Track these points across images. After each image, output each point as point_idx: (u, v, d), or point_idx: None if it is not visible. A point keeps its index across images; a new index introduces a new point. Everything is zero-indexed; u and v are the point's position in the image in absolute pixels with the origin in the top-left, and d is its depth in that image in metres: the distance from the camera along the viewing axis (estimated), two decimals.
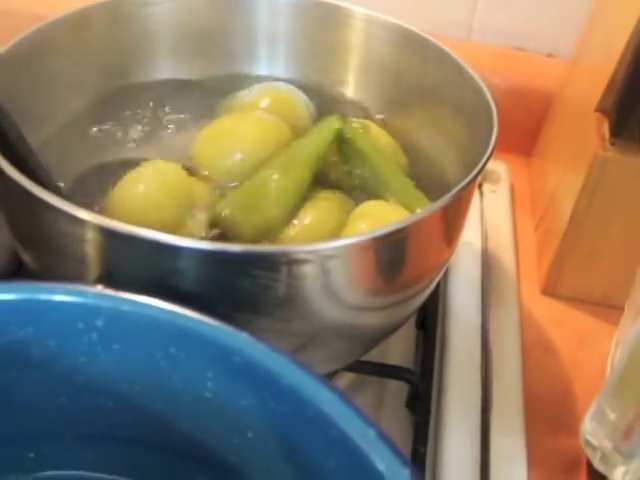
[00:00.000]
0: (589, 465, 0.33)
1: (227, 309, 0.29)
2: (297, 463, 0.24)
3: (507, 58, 0.59)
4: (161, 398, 0.26)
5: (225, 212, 0.33)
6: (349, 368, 0.38)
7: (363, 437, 0.21)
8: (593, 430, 0.26)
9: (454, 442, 0.36)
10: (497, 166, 0.56)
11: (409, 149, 0.40)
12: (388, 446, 0.20)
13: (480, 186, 0.54)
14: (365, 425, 0.21)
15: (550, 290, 0.47)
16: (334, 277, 0.29)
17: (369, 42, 0.41)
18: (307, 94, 0.41)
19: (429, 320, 0.43)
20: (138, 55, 0.42)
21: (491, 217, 0.51)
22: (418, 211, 0.33)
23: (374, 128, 0.39)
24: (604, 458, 0.26)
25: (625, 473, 0.25)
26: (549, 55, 0.59)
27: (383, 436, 0.21)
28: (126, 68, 0.42)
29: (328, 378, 0.39)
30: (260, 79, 0.43)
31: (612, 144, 0.40)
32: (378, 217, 0.34)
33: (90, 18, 0.39)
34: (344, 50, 0.42)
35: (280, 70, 0.44)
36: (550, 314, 0.46)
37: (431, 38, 0.39)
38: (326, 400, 0.22)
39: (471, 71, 0.37)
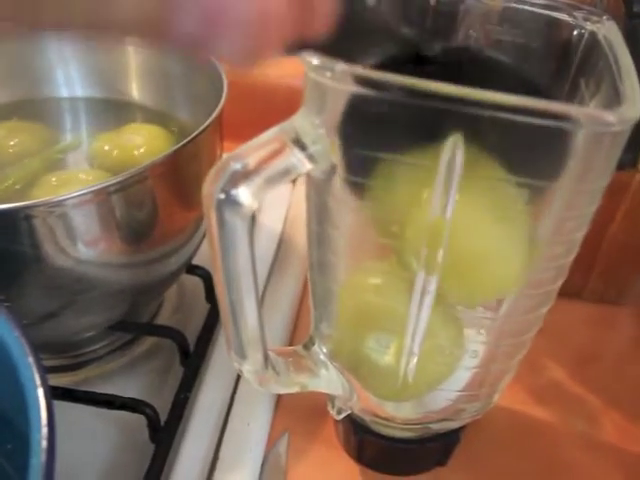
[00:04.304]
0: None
1: None
2: None
3: None
4: None
5: None
6: (123, 328, 0.43)
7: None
8: None
9: (210, 388, 0.42)
10: None
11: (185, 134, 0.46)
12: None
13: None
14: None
15: None
16: (61, 232, 0.34)
17: (140, 50, 0.48)
18: (102, 106, 0.50)
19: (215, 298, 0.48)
20: None
21: (298, 205, 0.57)
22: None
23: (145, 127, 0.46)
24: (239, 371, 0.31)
25: (248, 371, 0.30)
26: None
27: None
28: None
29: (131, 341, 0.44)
30: (62, 100, 0.50)
31: None
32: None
33: None
34: (124, 60, 0.49)
35: (78, 90, 0.51)
36: None
37: None
38: None
39: (213, 60, 0.43)
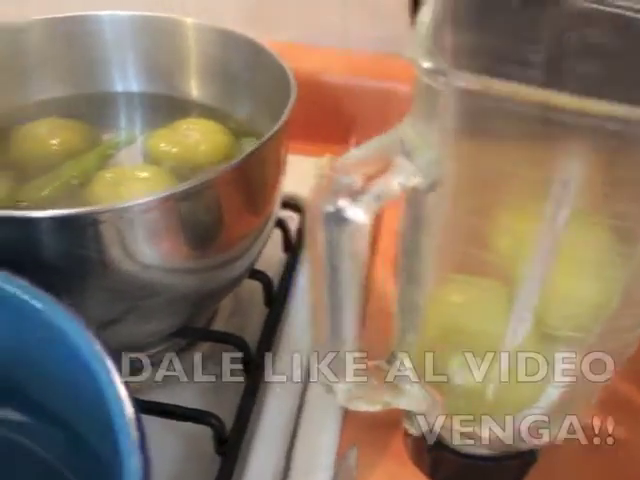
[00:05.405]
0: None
1: (35, 274, 0.33)
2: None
3: (380, 62, 0.64)
4: None
5: None
6: (183, 334, 0.42)
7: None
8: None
9: (276, 398, 0.40)
10: None
11: (243, 131, 0.45)
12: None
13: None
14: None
15: None
16: (128, 237, 0.33)
17: (202, 47, 0.47)
18: (158, 103, 0.48)
19: (276, 299, 0.47)
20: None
21: None
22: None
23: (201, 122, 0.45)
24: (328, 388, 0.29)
25: (344, 390, 0.29)
26: None
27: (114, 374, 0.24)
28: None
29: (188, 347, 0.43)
30: (116, 95, 0.49)
31: None
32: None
33: None
34: (184, 57, 0.48)
35: (134, 85, 0.49)
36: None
37: (249, 36, 0.44)
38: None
39: (279, 58, 0.42)
